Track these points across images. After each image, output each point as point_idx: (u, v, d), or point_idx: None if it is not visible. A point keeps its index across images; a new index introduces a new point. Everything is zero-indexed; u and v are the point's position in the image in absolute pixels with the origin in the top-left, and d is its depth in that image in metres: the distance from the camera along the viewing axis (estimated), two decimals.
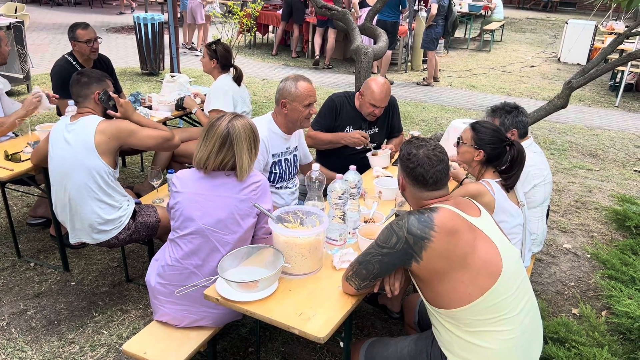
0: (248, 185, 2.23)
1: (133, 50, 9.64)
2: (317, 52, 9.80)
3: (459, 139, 2.63)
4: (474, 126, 2.58)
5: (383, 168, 3.24)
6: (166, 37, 8.23)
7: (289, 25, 10.40)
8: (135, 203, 3.02)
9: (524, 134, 2.88)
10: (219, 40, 3.83)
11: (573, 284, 3.56)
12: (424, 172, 1.93)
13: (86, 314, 3.07)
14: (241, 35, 9.41)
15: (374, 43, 4.38)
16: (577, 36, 10.87)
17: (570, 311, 3.26)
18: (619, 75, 9.10)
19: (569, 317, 3.14)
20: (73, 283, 3.36)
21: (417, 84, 8.88)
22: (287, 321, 1.91)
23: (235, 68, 3.82)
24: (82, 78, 2.81)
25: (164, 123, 4.06)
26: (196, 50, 10.38)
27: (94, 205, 2.76)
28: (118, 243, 2.88)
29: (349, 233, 2.40)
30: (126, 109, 2.99)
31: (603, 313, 3.22)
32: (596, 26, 11.11)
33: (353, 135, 3.34)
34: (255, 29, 7.96)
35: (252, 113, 4.82)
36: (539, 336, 1.99)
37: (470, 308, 1.81)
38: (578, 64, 11.17)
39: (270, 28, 11.50)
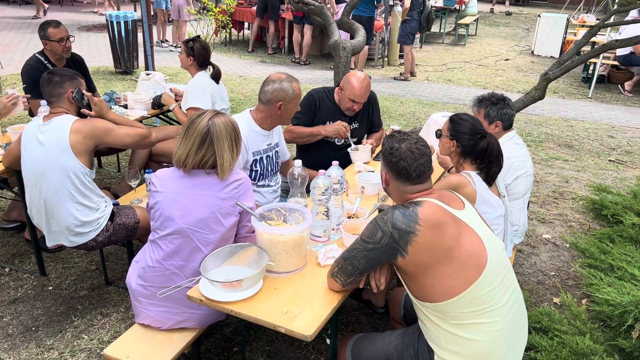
0: (230, 184, 2.19)
1: (106, 48, 9.47)
2: (296, 50, 9.75)
3: (439, 130, 2.64)
4: (452, 118, 2.59)
5: (364, 163, 3.23)
6: (140, 35, 8.10)
7: (264, 22, 10.32)
8: (113, 204, 2.96)
9: (508, 126, 2.90)
10: (197, 37, 3.76)
11: (553, 273, 3.60)
12: (407, 166, 1.92)
13: (65, 319, 3.00)
14: (218, 32, 9.34)
15: (352, 38, 4.36)
16: (550, 29, 11.01)
17: (551, 300, 3.29)
18: (591, 67, 9.25)
19: (551, 307, 3.18)
20: (50, 287, 3.28)
21: (395, 78, 8.90)
22: (273, 320, 1.89)
23: (213, 66, 3.76)
24: (53, 77, 2.74)
25: (140, 122, 3.99)
26: (179, 47, 10.24)
27: (71, 207, 2.69)
28: (96, 245, 2.82)
29: (333, 229, 2.38)
30: (100, 107, 2.93)
31: (583, 301, 3.26)
32: (568, 19, 11.28)
33: (333, 126, 3.32)
34: (231, 25, 7.89)
35: (230, 110, 4.76)
36: (524, 327, 2.00)
37: (456, 301, 1.81)
38: (551, 57, 11.33)
39: (246, 25, 11.41)
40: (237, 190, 2.19)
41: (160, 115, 4.42)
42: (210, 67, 3.78)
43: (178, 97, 4.09)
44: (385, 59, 9.93)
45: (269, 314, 1.91)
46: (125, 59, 8.07)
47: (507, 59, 10.95)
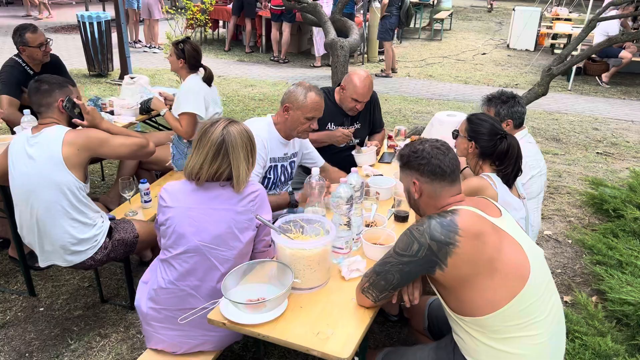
0: (246, 196, 2.05)
1: (77, 50, 9.14)
2: (274, 48, 9.57)
3: (456, 131, 2.54)
4: (469, 118, 2.50)
5: (370, 166, 3.12)
6: (113, 36, 7.83)
7: (240, 20, 10.12)
8: (110, 219, 2.78)
9: (519, 125, 2.83)
10: (187, 38, 3.59)
11: (560, 271, 3.56)
12: (440, 163, 1.82)
13: (60, 342, 2.81)
14: (190, 30, 9.11)
15: (346, 36, 4.24)
16: (525, 23, 11.09)
17: (562, 300, 3.25)
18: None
19: (564, 307, 3.13)
20: (42, 309, 3.08)
21: (376, 75, 8.82)
22: (305, 342, 1.76)
23: (205, 68, 3.59)
24: (42, 85, 2.54)
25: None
26: (155, 47, 9.98)
27: (66, 225, 2.51)
28: (94, 264, 2.64)
29: (353, 239, 2.27)
30: (93, 116, 2.74)
31: (593, 298, 3.22)
32: (541, 12, 11.38)
33: (335, 134, 3.20)
34: (210, 24, 7.69)
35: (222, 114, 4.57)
36: (563, 336, 1.92)
37: (499, 314, 1.71)
38: (526, 50, 11.41)
39: (221, 23, 11.17)
40: (253, 203, 2.06)
41: (148, 120, 4.21)
42: (202, 69, 3.61)
43: (167, 101, 3.90)
44: (365, 55, 9.84)
45: (299, 337, 1.78)
46: (100, 61, 7.78)
47: (484, 53, 10.98)
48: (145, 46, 9.98)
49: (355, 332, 1.82)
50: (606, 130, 6.46)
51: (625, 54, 8.22)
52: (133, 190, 3.05)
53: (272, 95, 7.38)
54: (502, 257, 1.72)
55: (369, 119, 3.48)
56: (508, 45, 11.65)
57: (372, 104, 3.44)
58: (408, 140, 3.33)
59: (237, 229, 2.03)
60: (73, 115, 2.66)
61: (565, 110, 7.25)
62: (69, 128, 2.55)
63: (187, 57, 3.49)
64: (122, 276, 3.36)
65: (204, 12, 6.90)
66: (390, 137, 3.44)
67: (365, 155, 3.15)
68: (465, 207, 1.79)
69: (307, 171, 3.08)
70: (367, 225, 2.39)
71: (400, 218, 2.53)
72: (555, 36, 11.16)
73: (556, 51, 9.65)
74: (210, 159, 2.00)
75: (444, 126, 3.28)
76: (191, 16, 6.73)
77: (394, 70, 8.89)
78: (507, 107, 2.82)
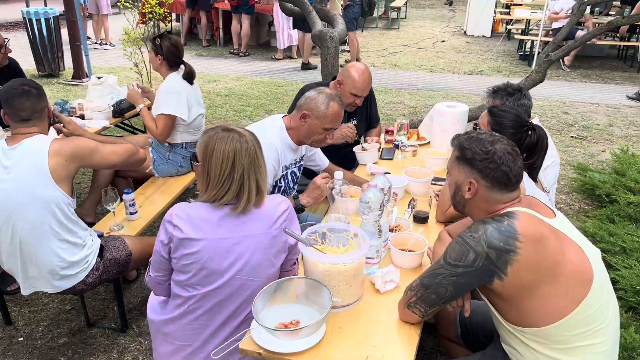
0: (279, 216, 1.83)
1: (22, 50, 8.52)
2: (234, 40, 9.24)
3: (475, 125, 2.41)
4: (491, 110, 2.36)
5: (374, 163, 2.96)
6: (63, 33, 7.33)
7: (194, 12, 9.73)
8: (98, 235, 2.51)
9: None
10: (166, 32, 3.30)
11: None
12: (509, 171, 1.65)
13: None
14: (143, 24, 8.67)
15: (330, 27, 4.05)
16: (482, 9, 11.17)
17: None
18: (528, 45, 9.46)
19: None
20: (21, 339, 2.77)
21: (341, 66, 8.63)
22: None
23: (185, 65, 3.33)
24: (31, 90, 2.23)
25: (100, 134, 3.48)
26: (106, 44, 9.45)
27: (55, 246, 2.23)
28: (86, 288, 2.37)
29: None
30: (75, 126, 2.46)
31: None
32: None
33: (341, 130, 2.99)
34: (170, 17, 7.30)
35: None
36: (618, 340, 1.82)
37: (564, 323, 1.59)
38: (483, 36, 11.52)
39: (174, 16, 10.71)
40: (287, 223, 1.85)
41: (122, 124, 3.90)
42: (183, 66, 3.34)
43: (144, 93, 3.57)
44: None
45: None
46: (50, 60, 7.28)
47: (443, 41, 11.01)
48: (96, 43, 9.45)
49: (406, 352, 1.66)
50: (576, 114, 6.53)
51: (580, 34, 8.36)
52: (117, 202, 2.78)
53: (238, 91, 7.10)
54: (565, 261, 1.59)
55: (366, 114, 3.31)
56: (465, 32, 11.73)
57: (369, 98, 3.28)
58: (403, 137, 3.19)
59: (272, 254, 1.82)
60: (53, 123, 2.38)
61: (534, 96, 7.24)
62: (53, 137, 2.26)
63: (165, 53, 3.22)
64: (107, 295, 3.08)
65: (162, 4, 6.50)
66: (387, 132, 3.29)
67: (368, 153, 2.99)
68: (520, 208, 1.65)
69: (305, 173, 2.89)
70: (391, 230, 2.23)
71: (420, 219, 2.38)
72: (510, 21, 11.32)
73: (517, 37, 9.74)
74: (227, 176, 1.74)
75: (444, 117, 3.16)
76: (149, 9, 6.33)
77: (358, 60, 8.74)
78: (513, 99, 2.70)
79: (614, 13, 9.97)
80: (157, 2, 6.43)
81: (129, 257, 2.51)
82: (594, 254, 1.67)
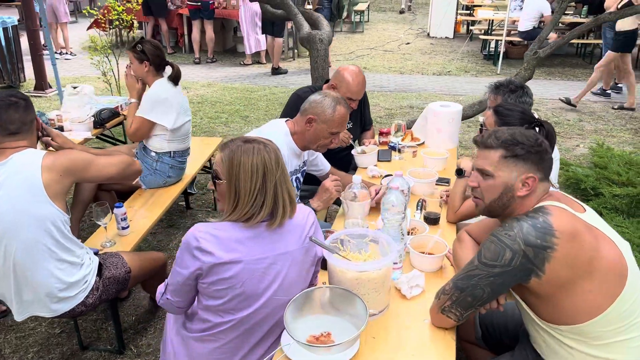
0: (309, 228, 1.75)
1: None
2: (195, 48, 9.06)
3: (481, 125, 2.39)
4: (496, 109, 2.35)
5: (374, 166, 2.91)
6: (23, 42, 7.04)
7: (157, 20, 9.51)
8: (94, 253, 2.37)
9: None
10: (143, 38, 3.17)
11: None
12: (549, 159, 1.66)
13: None
14: (101, 31, 8.43)
15: (315, 28, 3.98)
16: (444, 12, 11.34)
17: None
18: (492, 45, 9.64)
19: None
20: None
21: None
22: None
23: (172, 66, 3.20)
24: (19, 101, 2.08)
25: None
26: (67, 54, 9.12)
27: (52, 267, 2.08)
28: (85, 309, 2.23)
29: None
30: (64, 139, 2.32)
31: None
32: (458, 0, 11.70)
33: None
34: (137, 25, 7.07)
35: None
36: None
37: (601, 319, 1.57)
38: (446, 37, 11.70)
39: (136, 23, 10.43)
40: (314, 234, 1.77)
41: (103, 136, 3.73)
42: (168, 67, 3.22)
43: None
44: (296, 51, 9.59)
45: None
46: (9, 71, 6.95)
47: (408, 43, 11.12)
48: (56, 52, 9.11)
49: (447, 358, 1.60)
50: (546, 110, 6.67)
51: (551, 35, 8.58)
52: (109, 215, 2.63)
53: (210, 97, 6.95)
54: (600, 257, 1.58)
55: (360, 117, 3.27)
56: (428, 34, 11.89)
57: (363, 101, 3.23)
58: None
59: (305, 269, 1.74)
60: (41, 136, 2.24)
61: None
62: (44, 151, 2.12)
63: (151, 57, 3.09)
64: (99, 316, 2.92)
65: (129, 11, 6.31)
66: (381, 134, 3.25)
67: (367, 156, 2.94)
68: (552, 202, 1.63)
69: (305, 179, 2.81)
70: (407, 234, 2.18)
71: (432, 220, 2.34)
72: (473, 23, 11.54)
73: (481, 37, 9.92)
74: (259, 192, 1.62)
75: (439, 117, 3.14)
76: (116, 16, 6.13)
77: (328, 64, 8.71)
78: (515, 96, 2.70)
79: (571, 12, 10.29)
80: (124, 9, 6.25)
81: (128, 274, 2.38)
82: (625, 247, 1.66)
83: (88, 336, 2.79)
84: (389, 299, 1.83)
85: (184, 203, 4.08)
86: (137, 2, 6.21)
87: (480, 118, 2.87)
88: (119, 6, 6.14)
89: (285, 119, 2.50)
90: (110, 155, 2.34)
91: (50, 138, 2.28)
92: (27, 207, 2.00)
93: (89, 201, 3.24)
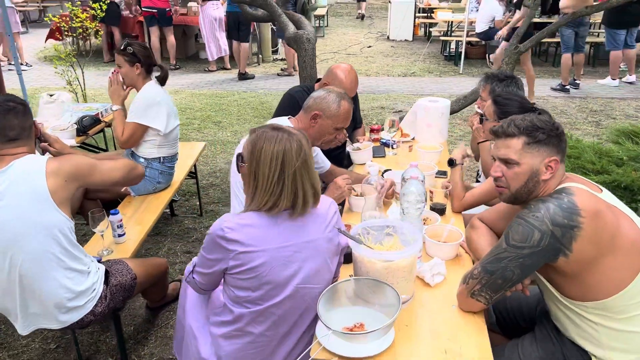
0: (331, 218, 1.75)
1: None
2: (156, 56, 8.87)
3: (482, 115, 2.45)
4: (495, 99, 2.42)
5: (371, 161, 2.94)
6: None
7: (110, 27, 9.27)
8: (97, 261, 2.29)
9: None
10: (129, 41, 3.10)
11: None
12: (565, 141, 1.72)
13: None
14: (57, 40, 8.19)
15: (297, 29, 3.98)
16: (403, 15, 11.55)
17: None
18: (452, 45, 9.88)
19: None
20: None
21: (279, 74, 8.61)
22: None
23: (161, 67, 3.15)
24: (18, 106, 2.00)
25: None
26: (22, 64, 8.77)
27: (60, 277, 2.00)
28: (94, 319, 2.15)
29: None
30: (62, 144, 2.25)
31: None
32: (415, 3, 11.94)
33: None
34: (101, 32, 6.85)
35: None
36: None
37: (624, 293, 1.63)
38: (405, 40, 11.90)
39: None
40: (337, 223, 1.78)
41: (84, 144, 3.62)
42: (159, 68, 3.16)
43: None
44: (260, 56, 9.55)
45: (431, 359, 1.56)
46: None
47: (369, 46, 11.25)
48: (10, 63, 8.78)
49: (481, 341, 1.63)
50: None
51: (499, 33, 8.88)
52: (106, 223, 2.55)
53: (179, 104, 6.84)
54: (621, 234, 1.64)
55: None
56: (388, 37, 12.07)
57: (353, 99, 3.24)
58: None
59: (329, 258, 1.74)
60: (39, 142, 2.15)
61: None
62: (46, 157, 2.04)
63: (142, 58, 3.02)
64: (95, 328, 2.82)
65: (93, 18, 6.15)
66: (372, 130, 3.28)
67: (363, 152, 2.96)
68: (573, 184, 1.69)
69: None
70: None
71: (438, 211, 2.38)
72: (432, 25, 11.80)
73: (442, 38, 10.15)
74: (291, 181, 1.63)
75: (429, 112, 3.20)
76: (79, 23, 5.96)
77: (294, 68, 8.73)
78: (502, 85, 2.78)
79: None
80: (87, 16, 6.09)
81: (135, 280, 2.31)
82: None
83: (86, 349, 2.69)
84: (414, 287, 1.85)
85: (168, 210, 4.00)
86: (101, 8, 6.03)
87: (476, 109, 2.93)
88: (82, 13, 5.98)
89: (288, 116, 2.49)
90: (113, 160, 2.27)
91: (48, 144, 2.20)
92: (34, 215, 1.92)
93: (75, 211, 3.14)
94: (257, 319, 1.69)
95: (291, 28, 3.74)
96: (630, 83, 7.71)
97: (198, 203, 4.07)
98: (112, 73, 3.09)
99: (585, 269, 1.63)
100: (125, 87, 3.12)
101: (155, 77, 3.12)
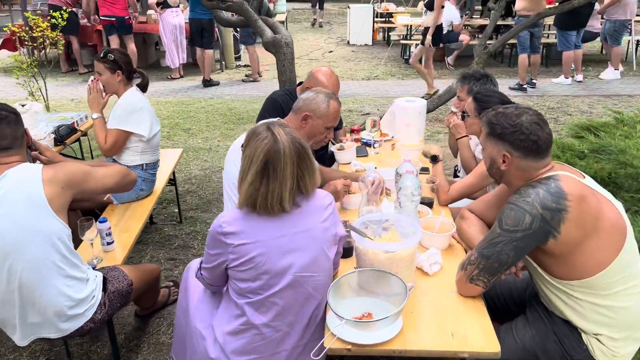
0: (327, 207, 1.82)
1: None
2: None
3: (463, 112, 2.56)
4: (475, 97, 2.54)
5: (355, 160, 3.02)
6: None
7: (68, 37, 9.06)
8: (92, 268, 2.28)
9: None
10: (109, 48, 3.08)
11: None
12: (538, 139, 1.79)
13: None
14: (14, 51, 7.96)
15: (275, 34, 4.02)
16: (363, 20, 11.75)
17: None
18: (412, 49, 10.10)
19: None
20: None
21: (243, 80, 8.62)
22: (449, 347, 1.63)
23: (142, 73, 3.15)
24: (9, 115, 1.98)
25: None
26: None
27: (60, 284, 1.99)
28: (94, 327, 2.14)
29: None
30: (53, 153, 2.24)
31: None
32: (374, 8, 12.17)
33: None
34: (63, 42, 6.65)
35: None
36: None
37: (607, 272, 1.76)
38: (365, 45, 12.10)
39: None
40: (333, 215, 1.84)
41: (63, 153, 3.55)
42: (139, 75, 3.15)
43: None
44: (223, 62, 9.54)
45: (438, 342, 1.64)
46: None
47: (330, 51, 11.39)
48: None
49: (483, 323, 1.73)
50: None
51: (464, 37, 9.17)
52: (95, 231, 2.53)
53: None
54: (603, 216, 1.77)
55: None
56: (348, 42, 12.24)
57: None
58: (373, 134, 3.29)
59: (326, 247, 1.80)
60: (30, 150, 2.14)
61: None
62: (40, 165, 2.03)
63: (124, 66, 3.02)
64: (85, 338, 2.78)
65: (55, 27, 6.02)
66: (353, 131, 3.36)
67: (347, 152, 3.04)
68: (561, 172, 1.81)
69: None
70: None
71: (427, 205, 2.47)
72: (391, 29, 12.04)
73: (402, 42, 10.37)
74: (278, 182, 1.69)
75: (407, 112, 3.30)
76: (40, 33, 5.84)
77: (259, 74, 8.76)
78: (479, 84, 2.91)
79: (477, 16, 11.03)
80: (48, 25, 5.97)
81: (131, 286, 2.31)
82: (620, 207, 1.87)
83: (78, 351, 2.66)
84: (415, 276, 1.94)
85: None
86: (62, 17, 5.92)
87: (453, 108, 3.05)
88: (42, 22, 5.86)
89: (277, 118, 2.54)
90: (105, 166, 2.27)
91: (39, 152, 2.18)
92: (32, 223, 1.90)
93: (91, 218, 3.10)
94: (260, 309, 1.74)
95: (268, 33, 3.80)
96: (579, 82, 8.09)
97: (177, 210, 4.06)
98: (92, 81, 3.07)
99: (571, 250, 1.74)
100: (104, 95, 3.10)
101: (137, 84, 3.11)
